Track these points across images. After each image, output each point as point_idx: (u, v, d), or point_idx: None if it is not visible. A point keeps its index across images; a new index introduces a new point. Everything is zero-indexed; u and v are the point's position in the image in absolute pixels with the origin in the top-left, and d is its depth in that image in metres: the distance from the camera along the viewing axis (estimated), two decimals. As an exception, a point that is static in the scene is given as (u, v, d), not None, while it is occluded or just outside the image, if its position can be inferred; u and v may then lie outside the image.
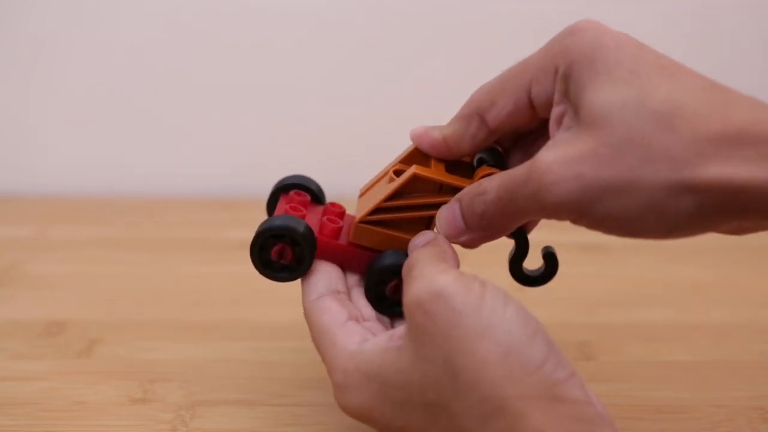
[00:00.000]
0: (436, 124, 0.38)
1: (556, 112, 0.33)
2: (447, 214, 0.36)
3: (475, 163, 0.39)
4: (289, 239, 0.37)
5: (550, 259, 0.38)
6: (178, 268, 0.60)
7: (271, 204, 0.42)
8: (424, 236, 0.36)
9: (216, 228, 0.67)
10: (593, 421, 0.29)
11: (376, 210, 0.37)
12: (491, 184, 0.34)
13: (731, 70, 0.71)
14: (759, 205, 0.29)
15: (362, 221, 0.38)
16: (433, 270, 0.32)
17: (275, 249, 0.37)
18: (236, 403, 0.43)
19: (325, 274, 0.38)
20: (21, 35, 0.71)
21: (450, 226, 0.36)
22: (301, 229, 0.37)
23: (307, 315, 0.37)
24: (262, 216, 0.42)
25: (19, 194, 0.74)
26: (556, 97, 0.33)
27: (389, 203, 0.37)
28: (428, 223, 0.38)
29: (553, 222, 0.33)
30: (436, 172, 0.37)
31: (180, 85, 0.73)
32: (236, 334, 0.50)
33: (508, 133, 0.37)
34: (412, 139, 0.38)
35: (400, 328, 0.33)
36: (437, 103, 0.69)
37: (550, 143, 0.32)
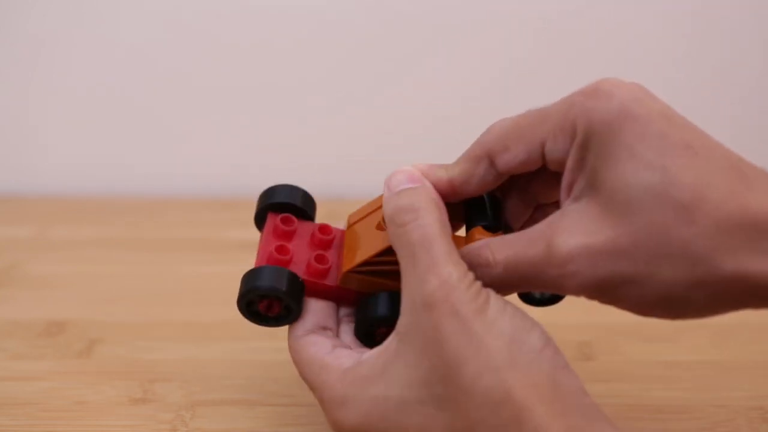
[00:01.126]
0: (437, 150, 0.37)
1: (567, 179, 0.33)
2: None
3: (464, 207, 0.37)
4: (275, 297, 0.37)
5: None
6: (178, 268, 0.60)
7: (260, 219, 0.41)
8: (403, 176, 0.35)
9: (216, 228, 0.67)
10: (591, 415, 0.30)
11: (365, 263, 0.37)
12: (497, 258, 0.33)
13: (731, 70, 0.72)
14: None
15: (350, 271, 0.37)
16: (441, 261, 0.32)
17: (262, 304, 0.37)
18: (236, 403, 0.43)
19: (315, 313, 0.38)
20: (21, 35, 0.71)
21: None
22: (285, 287, 0.36)
23: (293, 351, 0.37)
24: (262, 216, 0.42)
25: (19, 194, 0.74)
26: (570, 164, 0.33)
27: (377, 259, 0.36)
28: None
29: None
30: None
31: (180, 85, 0.73)
32: (236, 334, 0.50)
33: (513, 175, 0.36)
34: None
35: (402, 322, 0.33)
36: (437, 103, 0.70)
37: (562, 218, 0.32)
